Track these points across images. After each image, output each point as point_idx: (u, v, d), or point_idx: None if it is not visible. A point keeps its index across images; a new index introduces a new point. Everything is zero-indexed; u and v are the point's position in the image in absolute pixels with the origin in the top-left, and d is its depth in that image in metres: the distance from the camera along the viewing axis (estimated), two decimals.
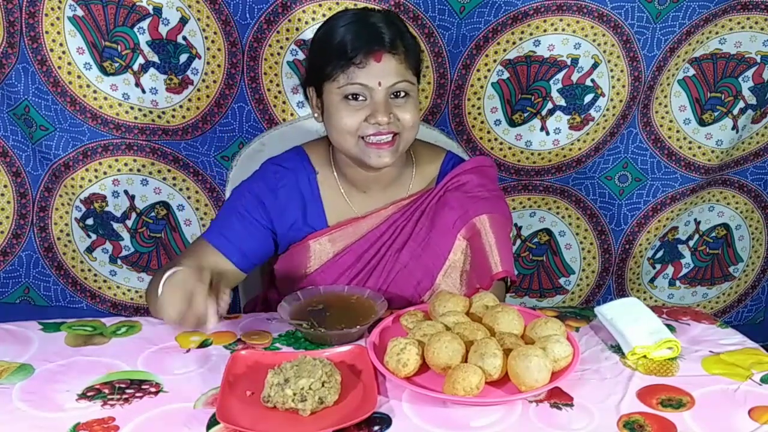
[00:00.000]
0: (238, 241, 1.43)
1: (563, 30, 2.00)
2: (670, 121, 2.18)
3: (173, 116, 2.02)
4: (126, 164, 2.08)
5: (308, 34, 1.95)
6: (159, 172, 2.09)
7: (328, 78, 1.34)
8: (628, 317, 1.28)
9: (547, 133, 2.13)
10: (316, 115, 1.43)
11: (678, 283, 2.42)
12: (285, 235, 1.48)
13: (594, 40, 2.02)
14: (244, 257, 1.44)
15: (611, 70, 2.06)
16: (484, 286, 1.41)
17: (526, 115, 2.11)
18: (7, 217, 2.10)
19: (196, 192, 2.13)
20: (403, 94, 1.35)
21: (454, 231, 1.43)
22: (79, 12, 1.90)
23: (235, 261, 1.43)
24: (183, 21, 1.92)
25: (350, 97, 1.33)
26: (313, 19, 1.93)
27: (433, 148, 1.58)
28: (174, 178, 2.11)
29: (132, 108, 2.01)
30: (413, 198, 1.48)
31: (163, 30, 1.93)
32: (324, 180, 1.48)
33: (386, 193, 1.48)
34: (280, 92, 2.02)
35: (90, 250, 2.17)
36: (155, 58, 1.95)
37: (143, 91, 1.99)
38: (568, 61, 2.04)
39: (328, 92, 1.36)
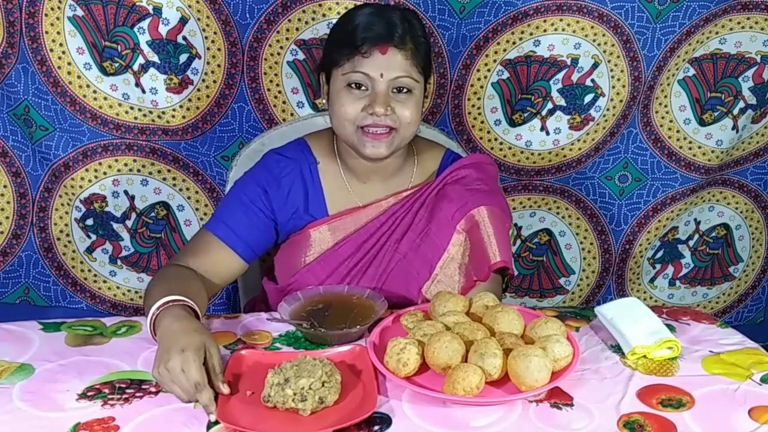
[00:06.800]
0: (242, 232, 1.45)
1: (563, 30, 2.00)
2: (670, 121, 2.18)
3: (173, 116, 2.02)
4: (126, 164, 2.07)
5: (308, 34, 1.95)
6: (159, 172, 2.09)
7: (336, 64, 1.39)
8: (628, 317, 1.28)
9: (547, 133, 2.13)
10: (324, 101, 1.47)
11: (678, 283, 2.42)
12: (286, 224, 1.49)
13: (594, 40, 2.02)
14: (248, 248, 1.46)
15: (611, 70, 2.06)
16: (482, 277, 1.42)
17: (526, 115, 2.11)
18: (7, 218, 2.10)
19: (196, 192, 2.13)
20: (405, 90, 1.38)
21: (452, 223, 1.44)
22: (79, 12, 1.90)
23: (240, 252, 1.44)
24: (183, 21, 1.92)
25: (353, 85, 1.37)
26: (313, 19, 1.93)
27: (434, 144, 1.61)
28: (174, 179, 2.11)
29: (132, 108, 2.01)
30: (413, 190, 1.49)
31: (163, 30, 1.93)
32: (325, 169, 1.50)
33: (387, 184, 1.50)
34: (280, 92, 2.02)
35: (90, 250, 2.17)
36: (155, 58, 1.95)
37: (143, 91, 1.99)
38: (568, 61, 2.04)
39: (335, 78, 1.40)
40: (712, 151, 2.19)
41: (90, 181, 2.08)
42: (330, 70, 1.41)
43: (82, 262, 2.18)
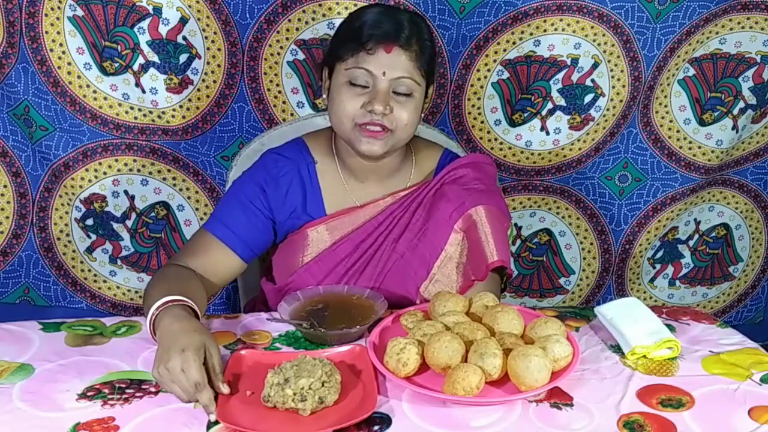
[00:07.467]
0: (240, 231, 1.45)
1: (563, 30, 2.00)
2: (670, 121, 2.18)
3: (173, 116, 2.02)
4: (126, 164, 2.07)
5: (308, 34, 1.95)
6: (159, 172, 2.09)
7: (340, 59, 1.39)
8: (628, 317, 1.29)
9: (547, 133, 2.13)
10: (325, 96, 1.47)
11: (678, 283, 2.42)
12: (284, 224, 1.50)
13: (594, 40, 2.02)
14: (247, 247, 1.46)
15: (611, 70, 2.06)
16: (480, 277, 1.43)
17: (526, 115, 2.11)
18: (7, 217, 2.10)
19: (196, 192, 2.13)
20: (406, 91, 1.37)
21: (450, 222, 1.44)
22: (79, 12, 1.90)
23: (239, 252, 1.45)
24: (183, 21, 1.92)
25: (355, 81, 1.37)
26: (313, 19, 1.93)
27: (432, 144, 1.61)
28: (174, 178, 2.11)
29: (132, 108, 2.01)
30: (411, 190, 1.49)
31: (163, 30, 1.93)
32: (323, 169, 1.51)
33: (385, 183, 1.50)
34: (280, 92, 2.02)
35: (90, 250, 2.17)
36: (155, 58, 1.95)
37: (143, 91, 1.99)
38: (568, 61, 2.04)
39: (337, 73, 1.40)
40: (712, 151, 2.19)
41: (90, 181, 2.08)
42: (333, 64, 1.41)
43: (82, 262, 2.18)
